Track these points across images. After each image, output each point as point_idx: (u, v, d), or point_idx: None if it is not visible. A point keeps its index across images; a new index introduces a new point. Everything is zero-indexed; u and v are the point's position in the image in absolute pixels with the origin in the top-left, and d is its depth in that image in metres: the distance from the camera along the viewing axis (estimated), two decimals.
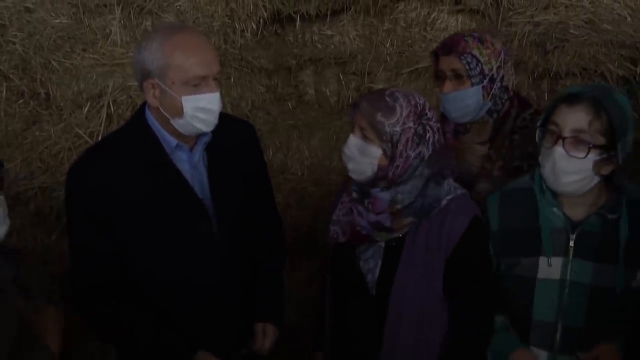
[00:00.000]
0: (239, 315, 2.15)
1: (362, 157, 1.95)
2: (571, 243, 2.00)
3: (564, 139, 1.90)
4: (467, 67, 2.29)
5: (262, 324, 2.17)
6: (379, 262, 2.02)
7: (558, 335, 2.02)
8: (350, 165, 1.99)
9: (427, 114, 1.96)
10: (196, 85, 1.97)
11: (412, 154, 1.93)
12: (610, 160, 1.91)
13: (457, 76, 2.31)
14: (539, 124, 1.99)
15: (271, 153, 4.04)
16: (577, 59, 3.52)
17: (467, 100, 2.31)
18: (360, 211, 2.02)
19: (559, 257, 2.01)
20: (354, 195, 2.04)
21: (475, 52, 2.30)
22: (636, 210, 1.96)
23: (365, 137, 1.95)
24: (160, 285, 2.03)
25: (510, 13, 3.78)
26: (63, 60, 3.57)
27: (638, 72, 3.52)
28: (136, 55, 2.00)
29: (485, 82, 2.30)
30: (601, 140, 1.89)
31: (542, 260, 2.02)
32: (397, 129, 1.92)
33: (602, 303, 1.97)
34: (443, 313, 2.01)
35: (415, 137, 1.93)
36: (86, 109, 3.54)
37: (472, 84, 2.30)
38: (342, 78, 4.30)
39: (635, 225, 1.95)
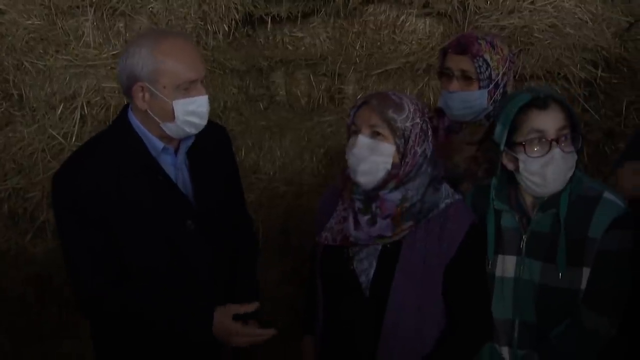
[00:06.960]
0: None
1: (374, 155, 1.92)
2: (522, 243, 2.05)
3: (556, 140, 1.91)
4: (477, 70, 2.31)
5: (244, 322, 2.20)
6: (374, 263, 1.99)
7: (516, 332, 2.08)
8: (360, 167, 1.93)
9: (426, 112, 1.98)
10: (187, 89, 2.00)
11: (419, 150, 1.94)
12: None
13: (465, 77, 2.33)
14: (504, 142, 1.97)
15: (243, 153, 4.07)
16: (541, 61, 3.62)
17: (471, 102, 2.34)
18: (362, 225, 1.98)
19: (513, 255, 2.07)
20: (358, 205, 1.99)
21: (487, 56, 2.32)
22: (579, 207, 1.98)
23: (376, 134, 1.93)
24: (150, 282, 2.05)
25: (477, 17, 3.86)
26: (36, 61, 3.58)
27: (599, 75, 3.65)
28: (123, 62, 2.00)
29: (490, 86, 2.34)
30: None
31: (500, 259, 2.08)
32: (408, 124, 1.92)
33: (548, 301, 2.03)
34: (441, 317, 2.00)
35: (421, 134, 1.95)
36: (59, 110, 3.56)
37: (480, 87, 2.33)
38: (312, 79, 4.35)
39: (574, 223, 1.98)
